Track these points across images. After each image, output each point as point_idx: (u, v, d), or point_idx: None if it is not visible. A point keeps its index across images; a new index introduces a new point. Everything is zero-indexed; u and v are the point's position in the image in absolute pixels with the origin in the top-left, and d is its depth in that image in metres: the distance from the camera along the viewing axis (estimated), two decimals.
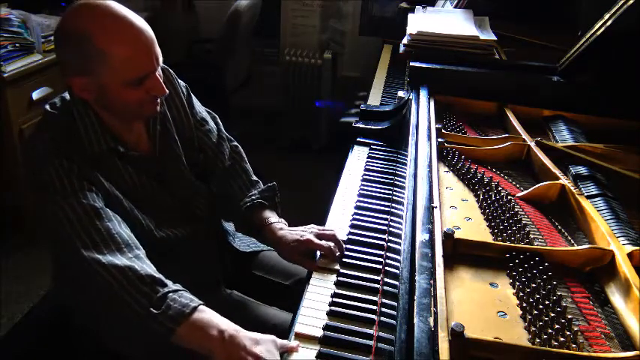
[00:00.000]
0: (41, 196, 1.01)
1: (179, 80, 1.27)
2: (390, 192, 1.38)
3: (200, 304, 0.94)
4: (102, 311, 0.98)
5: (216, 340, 0.90)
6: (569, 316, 0.75)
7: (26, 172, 1.07)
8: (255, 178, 1.36)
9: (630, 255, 0.83)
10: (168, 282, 0.97)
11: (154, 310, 0.91)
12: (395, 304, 0.89)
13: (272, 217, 1.24)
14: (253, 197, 1.28)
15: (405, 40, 1.66)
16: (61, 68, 1.05)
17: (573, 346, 0.72)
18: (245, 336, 0.91)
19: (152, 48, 1.03)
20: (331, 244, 1.15)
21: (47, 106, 1.10)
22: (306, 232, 1.18)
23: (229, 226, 1.44)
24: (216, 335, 0.90)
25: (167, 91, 1.09)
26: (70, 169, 1.01)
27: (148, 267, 0.97)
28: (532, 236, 0.95)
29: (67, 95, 1.11)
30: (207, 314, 0.94)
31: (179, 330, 0.90)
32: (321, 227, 1.21)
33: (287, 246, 1.16)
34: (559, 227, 1.00)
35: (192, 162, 1.25)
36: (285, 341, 0.92)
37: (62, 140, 1.04)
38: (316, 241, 1.15)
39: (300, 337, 0.94)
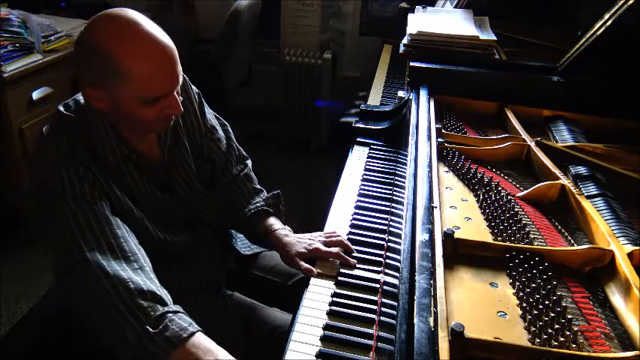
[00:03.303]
0: (48, 199, 0.98)
1: (192, 86, 1.25)
2: (390, 192, 1.38)
3: (198, 330, 0.89)
4: (98, 321, 0.92)
5: None
6: (569, 316, 0.75)
7: (34, 173, 1.04)
8: (259, 186, 1.36)
9: (630, 255, 0.83)
10: (169, 301, 0.92)
11: (150, 329, 0.86)
12: (395, 303, 0.89)
13: (276, 223, 1.24)
14: (258, 204, 1.28)
15: (405, 40, 1.66)
16: (79, 76, 1.02)
17: (573, 346, 0.72)
18: None
19: (174, 68, 1.00)
20: (339, 249, 1.14)
21: (61, 107, 1.07)
22: (314, 240, 1.17)
23: None
24: None
25: (182, 109, 1.06)
26: (85, 176, 1.00)
27: (151, 282, 0.93)
28: (532, 236, 0.95)
29: (81, 98, 1.08)
30: (205, 341, 0.88)
31: (173, 353, 0.85)
32: (327, 233, 1.20)
33: (293, 254, 1.15)
34: (559, 227, 1.00)
35: (201, 170, 1.25)
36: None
37: (78, 146, 1.02)
38: (324, 249, 1.14)
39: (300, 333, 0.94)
